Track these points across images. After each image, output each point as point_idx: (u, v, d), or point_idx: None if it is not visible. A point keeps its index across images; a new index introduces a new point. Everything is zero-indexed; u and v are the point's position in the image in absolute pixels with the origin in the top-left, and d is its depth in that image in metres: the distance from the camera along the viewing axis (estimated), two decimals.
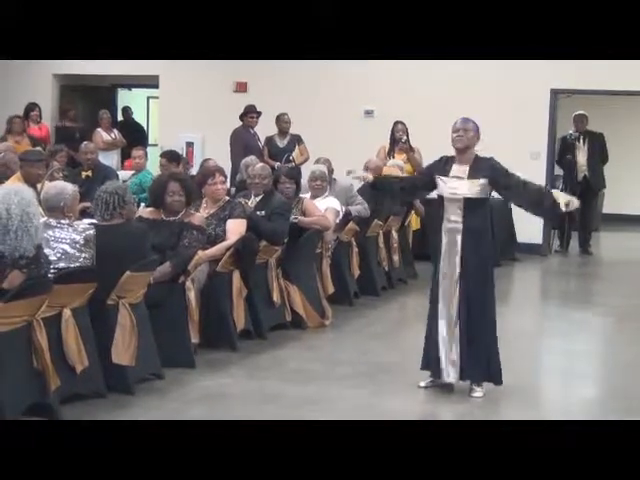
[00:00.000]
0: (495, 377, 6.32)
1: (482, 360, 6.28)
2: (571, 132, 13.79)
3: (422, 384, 6.47)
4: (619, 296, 10.58)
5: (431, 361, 6.41)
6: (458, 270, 6.28)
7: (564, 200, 6.19)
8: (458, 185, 6.27)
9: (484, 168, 6.28)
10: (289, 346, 7.64)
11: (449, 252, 6.32)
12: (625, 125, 17.43)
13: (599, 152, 13.79)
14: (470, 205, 6.26)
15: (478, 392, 6.31)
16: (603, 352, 8.26)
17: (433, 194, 6.62)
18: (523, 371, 7.08)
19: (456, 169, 6.31)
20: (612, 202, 16.94)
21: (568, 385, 7.22)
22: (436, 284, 6.40)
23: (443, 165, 6.40)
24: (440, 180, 6.34)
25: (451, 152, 6.41)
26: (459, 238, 6.27)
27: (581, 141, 13.76)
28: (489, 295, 6.33)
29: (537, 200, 6.27)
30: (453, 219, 6.31)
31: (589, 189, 13.80)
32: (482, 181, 6.24)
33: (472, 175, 6.25)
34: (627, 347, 8.09)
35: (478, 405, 6.18)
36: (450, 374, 6.31)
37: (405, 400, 6.29)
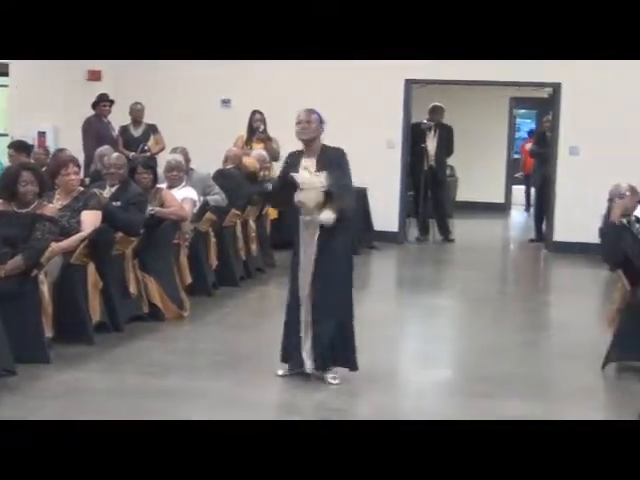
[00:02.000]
0: (350, 363, 6.38)
1: (336, 346, 6.31)
2: (425, 121, 14.06)
3: (280, 372, 6.49)
4: (473, 281, 10.86)
5: (289, 351, 6.44)
6: (313, 260, 6.31)
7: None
8: (309, 179, 6.28)
9: (332, 158, 6.31)
10: (147, 338, 7.57)
11: (306, 244, 6.35)
12: (478, 115, 17.90)
13: (447, 145, 14.14)
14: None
15: (332, 379, 6.33)
16: (458, 336, 8.45)
17: None
18: (380, 356, 7.19)
19: (304, 163, 6.33)
20: (465, 190, 17.40)
21: (424, 369, 7.36)
22: (295, 275, 6.43)
23: (293, 162, 6.41)
24: (294, 177, 6.32)
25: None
26: (317, 230, 6.30)
27: (432, 131, 14.05)
28: (345, 283, 6.37)
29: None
30: (306, 212, 6.33)
31: (435, 178, 14.13)
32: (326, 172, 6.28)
33: (320, 168, 6.27)
34: (481, 331, 8.32)
35: (336, 392, 6.23)
36: (308, 364, 6.35)
37: (264, 390, 6.31)
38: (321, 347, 6.30)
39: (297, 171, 6.33)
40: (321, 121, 6.34)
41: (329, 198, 6.25)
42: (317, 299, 6.31)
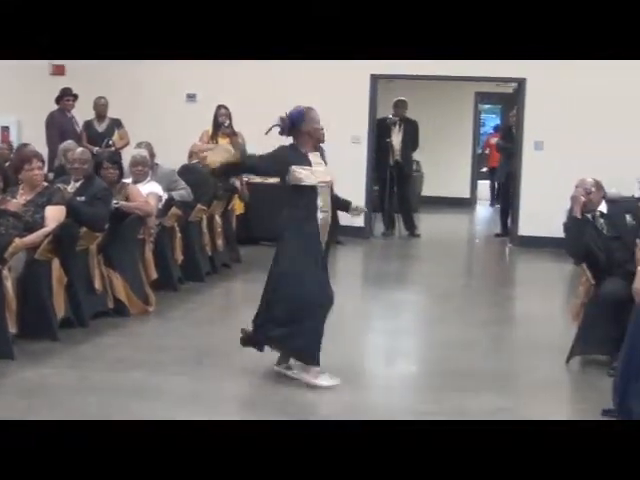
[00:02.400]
0: (306, 357, 6.30)
1: (294, 339, 6.25)
2: (390, 116, 14.09)
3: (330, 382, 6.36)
4: (439, 276, 10.90)
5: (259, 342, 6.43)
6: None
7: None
8: (323, 171, 6.32)
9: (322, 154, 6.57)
10: (112, 334, 7.53)
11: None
12: (444, 110, 17.96)
13: (411, 139, 14.18)
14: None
15: (291, 373, 6.31)
16: (424, 331, 8.49)
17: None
18: (347, 352, 7.20)
19: (313, 157, 6.33)
20: (431, 185, 17.46)
21: (391, 364, 7.39)
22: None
23: (299, 155, 6.28)
24: (302, 170, 6.20)
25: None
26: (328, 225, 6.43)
27: (397, 126, 14.08)
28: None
29: None
30: (325, 209, 6.36)
31: (401, 173, 14.17)
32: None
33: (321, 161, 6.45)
34: (447, 325, 8.34)
35: (302, 387, 6.22)
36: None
37: (230, 384, 6.30)
38: (285, 341, 6.32)
39: (307, 164, 6.27)
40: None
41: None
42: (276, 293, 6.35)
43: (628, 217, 6.94)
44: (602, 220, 7.00)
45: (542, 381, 6.66)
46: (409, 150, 14.28)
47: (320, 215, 6.32)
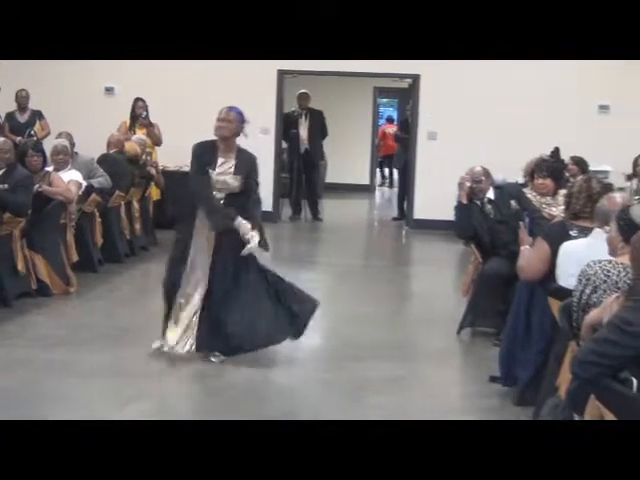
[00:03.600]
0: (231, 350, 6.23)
1: (221, 332, 6.19)
2: (293, 109, 14.11)
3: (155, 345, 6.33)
4: (340, 257, 10.97)
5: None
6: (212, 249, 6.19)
7: (253, 238, 6.16)
8: (225, 180, 6.09)
9: (246, 163, 6.14)
10: (35, 313, 7.42)
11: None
12: (346, 104, 18.04)
13: (319, 128, 14.21)
14: (231, 197, 6.14)
15: (215, 358, 6.24)
16: (328, 307, 8.50)
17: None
18: None
19: (222, 162, 6.10)
20: (334, 172, 17.53)
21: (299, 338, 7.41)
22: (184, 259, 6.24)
23: (209, 152, 6.11)
24: (210, 170, 6.07)
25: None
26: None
27: (303, 117, 14.10)
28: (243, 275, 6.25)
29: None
30: None
31: (310, 161, 14.22)
32: (243, 177, 6.12)
33: (237, 172, 6.10)
34: (350, 302, 8.42)
35: (215, 365, 6.19)
36: (187, 344, 6.23)
37: (149, 359, 6.25)
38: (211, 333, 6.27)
39: (213, 168, 6.06)
40: (242, 120, 6.12)
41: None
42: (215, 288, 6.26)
43: (513, 202, 7.07)
44: (489, 205, 7.12)
45: (435, 350, 6.77)
46: (318, 139, 14.27)
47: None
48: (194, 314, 6.25)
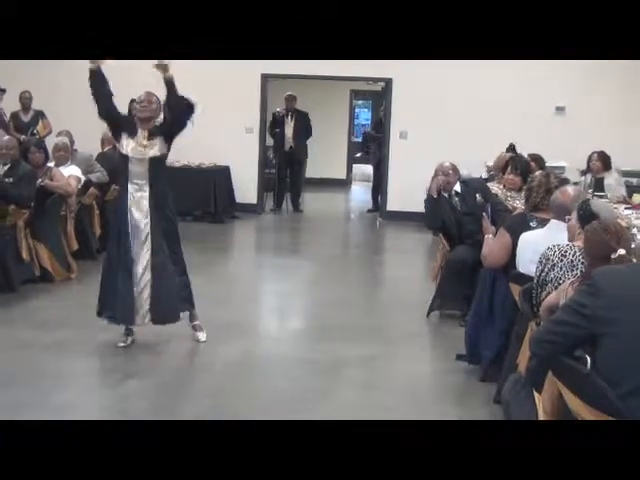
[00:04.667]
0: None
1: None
2: (279, 110, 14.11)
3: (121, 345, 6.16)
4: (320, 246, 10.98)
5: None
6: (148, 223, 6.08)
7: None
8: (142, 149, 6.09)
9: (159, 130, 6.12)
10: (39, 298, 7.41)
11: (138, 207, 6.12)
12: (325, 105, 18.02)
13: (304, 128, 14.22)
14: (154, 164, 6.08)
15: (201, 335, 6.24)
16: (308, 292, 8.56)
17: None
18: (240, 310, 7.24)
19: (140, 134, 6.13)
20: (314, 168, 17.53)
21: (281, 321, 7.45)
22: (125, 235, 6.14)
23: (130, 125, 6.19)
24: (124, 138, 6.15)
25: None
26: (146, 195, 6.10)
27: (289, 117, 14.11)
28: (177, 246, 6.15)
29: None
30: (135, 181, 6.13)
31: (294, 158, 14.23)
32: (158, 139, 6.09)
33: (150, 137, 6.09)
34: (327, 287, 8.44)
35: (204, 344, 6.23)
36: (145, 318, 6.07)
37: (145, 337, 6.26)
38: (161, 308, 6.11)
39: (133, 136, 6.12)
40: (160, 105, 6.18)
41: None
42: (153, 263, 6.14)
43: (478, 196, 7.12)
44: (457, 198, 7.16)
45: (407, 332, 6.81)
46: (303, 138, 14.28)
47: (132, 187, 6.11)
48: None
